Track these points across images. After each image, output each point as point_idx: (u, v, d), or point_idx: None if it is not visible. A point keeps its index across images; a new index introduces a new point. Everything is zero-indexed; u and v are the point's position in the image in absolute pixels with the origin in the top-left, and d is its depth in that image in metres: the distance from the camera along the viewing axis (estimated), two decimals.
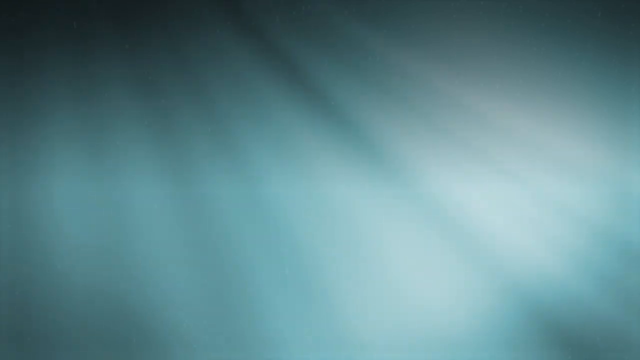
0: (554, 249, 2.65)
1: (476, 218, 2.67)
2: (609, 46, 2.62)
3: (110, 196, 2.73)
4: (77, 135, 2.74)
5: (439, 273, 2.69)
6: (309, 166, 2.71)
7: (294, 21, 2.70)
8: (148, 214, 2.73)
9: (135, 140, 2.73)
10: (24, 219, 2.74)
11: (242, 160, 2.72)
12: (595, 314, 2.64)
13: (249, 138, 2.72)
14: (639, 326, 2.65)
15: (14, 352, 2.76)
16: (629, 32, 2.63)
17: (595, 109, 2.63)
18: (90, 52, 2.74)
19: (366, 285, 2.70)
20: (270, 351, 2.72)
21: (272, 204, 2.71)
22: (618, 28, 2.62)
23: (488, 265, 2.67)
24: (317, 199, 2.70)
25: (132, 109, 2.73)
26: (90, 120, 2.74)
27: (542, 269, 2.66)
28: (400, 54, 2.68)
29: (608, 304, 2.64)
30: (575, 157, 2.64)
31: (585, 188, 2.64)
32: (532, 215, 2.66)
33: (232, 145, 2.72)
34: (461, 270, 2.68)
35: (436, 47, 2.67)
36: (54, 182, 2.74)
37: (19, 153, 2.74)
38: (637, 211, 2.63)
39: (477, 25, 2.67)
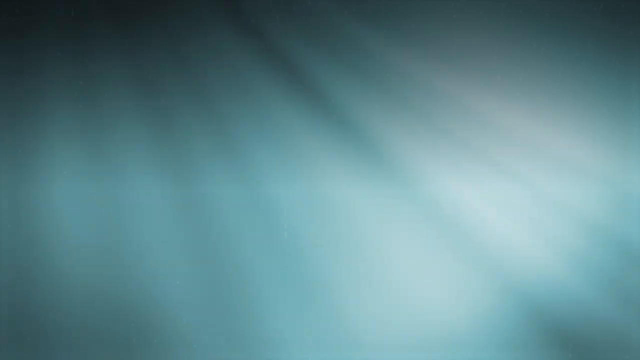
0: (554, 249, 2.65)
1: (476, 218, 2.67)
2: (609, 46, 2.62)
3: (110, 196, 2.73)
4: (77, 135, 2.74)
5: (439, 273, 2.69)
6: (309, 166, 2.71)
7: (294, 21, 2.70)
8: (148, 214, 2.73)
9: (135, 140, 2.73)
10: (24, 219, 2.74)
11: (242, 160, 2.72)
12: (595, 314, 2.64)
13: (249, 138, 2.72)
14: (639, 326, 2.65)
15: (14, 352, 2.76)
16: (629, 32, 2.63)
17: (595, 109, 2.63)
18: (90, 52, 2.74)
19: (366, 285, 2.70)
20: (270, 351, 2.72)
21: (272, 204, 2.71)
22: (618, 28, 2.62)
23: (488, 265, 2.67)
24: (317, 199, 2.70)
25: (132, 109, 2.73)
26: (90, 120, 2.74)
27: (542, 269, 2.66)
28: (400, 54, 2.68)
29: (608, 304, 2.64)
30: (575, 157, 2.64)
31: (585, 188, 2.64)
32: (532, 215, 2.66)
33: (232, 145, 2.72)
34: (461, 270, 2.68)
35: (436, 47, 2.67)
36: (54, 182, 2.74)
37: (19, 153, 2.74)
38: (637, 211, 2.63)
39: (477, 25, 2.67)
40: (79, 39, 2.74)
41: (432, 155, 2.68)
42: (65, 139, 2.74)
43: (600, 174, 2.63)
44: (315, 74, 2.70)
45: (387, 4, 2.68)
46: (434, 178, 2.68)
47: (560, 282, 2.65)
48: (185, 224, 2.73)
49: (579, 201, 2.64)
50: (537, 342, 2.66)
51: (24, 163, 2.74)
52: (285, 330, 2.72)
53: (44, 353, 2.75)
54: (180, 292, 2.73)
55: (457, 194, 2.67)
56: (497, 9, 2.65)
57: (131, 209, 2.73)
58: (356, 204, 2.70)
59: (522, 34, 2.65)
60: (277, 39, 2.71)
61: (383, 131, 2.69)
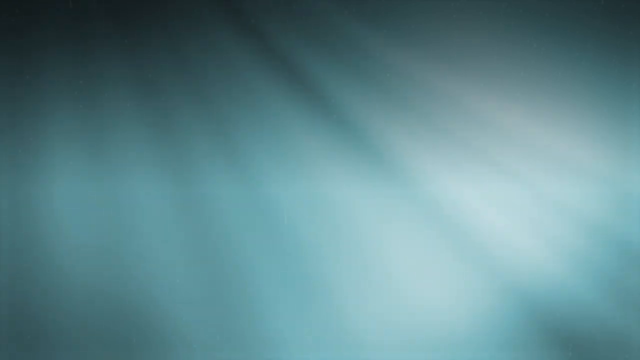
0: (554, 249, 2.65)
1: (476, 218, 2.67)
2: (609, 46, 2.62)
3: (110, 196, 2.73)
4: (77, 135, 2.74)
5: (439, 273, 2.69)
6: (309, 166, 2.70)
7: (294, 21, 2.70)
8: (148, 214, 2.73)
9: (135, 140, 2.73)
10: (24, 219, 2.74)
11: (242, 160, 2.72)
12: (595, 314, 2.64)
13: (249, 138, 2.72)
14: (639, 326, 2.65)
15: (14, 352, 2.76)
16: (629, 32, 2.63)
17: (595, 109, 2.63)
18: (90, 52, 2.74)
19: (366, 285, 2.70)
20: (270, 351, 2.72)
21: (272, 204, 2.71)
22: (618, 28, 2.62)
23: (488, 265, 2.67)
24: (317, 199, 2.70)
25: (132, 109, 2.73)
26: (90, 120, 2.74)
27: (542, 269, 2.66)
28: (400, 54, 2.68)
29: (608, 304, 2.64)
30: (575, 157, 2.64)
31: (585, 188, 2.64)
32: (532, 215, 2.66)
33: (232, 145, 2.72)
34: (461, 270, 2.68)
35: (436, 47, 2.67)
36: (54, 182, 2.74)
37: (19, 153, 2.74)
38: (637, 211, 2.63)
39: (477, 25, 2.67)
40: (79, 39, 2.74)
41: (432, 155, 2.68)
42: (65, 139, 2.74)
43: (600, 174, 2.63)
44: (315, 74, 2.70)
45: (387, 4, 2.68)
46: (434, 178, 2.68)
47: (560, 282, 2.65)
48: (185, 224, 2.73)
49: (579, 201, 2.64)
50: (537, 342, 2.66)
51: (24, 163, 2.74)
52: (285, 330, 2.72)
53: (44, 353, 2.75)
54: (180, 292, 2.73)
55: (457, 194, 2.67)
56: (497, 9, 2.65)
57: (131, 209, 2.73)
58: (356, 204, 2.70)
59: (522, 34, 2.65)
60: (277, 39, 2.71)
61: (383, 131, 2.69)
